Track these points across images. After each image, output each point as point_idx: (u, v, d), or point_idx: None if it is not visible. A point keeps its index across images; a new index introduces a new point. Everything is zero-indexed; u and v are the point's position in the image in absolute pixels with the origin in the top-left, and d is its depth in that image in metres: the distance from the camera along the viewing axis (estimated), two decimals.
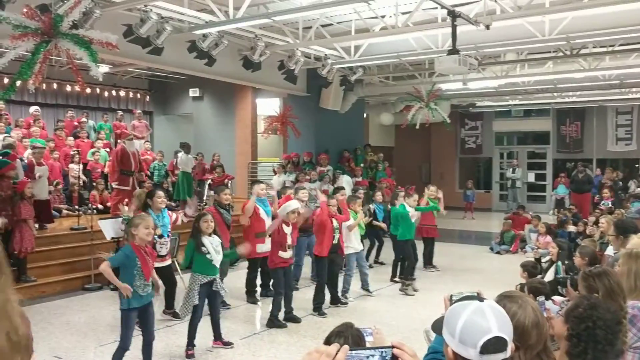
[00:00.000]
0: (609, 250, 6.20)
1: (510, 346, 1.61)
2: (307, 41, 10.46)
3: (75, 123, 14.34)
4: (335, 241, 7.66)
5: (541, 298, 3.94)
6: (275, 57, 11.21)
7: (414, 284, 8.86)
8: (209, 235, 5.91)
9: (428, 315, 6.02)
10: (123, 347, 4.99)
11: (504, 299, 2.07)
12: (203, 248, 5.82)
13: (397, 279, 9.31)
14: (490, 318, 1.60)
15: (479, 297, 1.70)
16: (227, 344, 6.14)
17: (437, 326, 1.80)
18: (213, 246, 5.87)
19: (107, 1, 8.08)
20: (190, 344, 5.87)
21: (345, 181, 13.50)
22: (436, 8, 8.68)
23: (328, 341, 2.49)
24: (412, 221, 8.95)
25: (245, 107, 16.94)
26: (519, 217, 13.52)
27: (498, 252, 12.43)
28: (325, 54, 11.83)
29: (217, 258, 5.89)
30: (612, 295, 3.14)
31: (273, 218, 7.84)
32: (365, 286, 8.52)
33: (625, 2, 8.04)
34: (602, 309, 2.45)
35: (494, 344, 1.57)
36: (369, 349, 1.52)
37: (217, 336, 6.15)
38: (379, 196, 10.97)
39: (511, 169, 19.56)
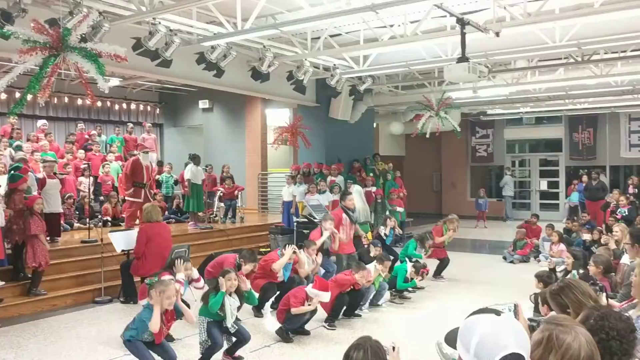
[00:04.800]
0: (625, 259, 6.09)
1: None
2: (316, 51, 10.45)
3: (86, 136, 14.43)
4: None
5: None
6: (284, 68, 11.23)
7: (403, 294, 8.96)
8: (230, 294, 5.78)
9: (441, 327, 5.91)
10: None
11: (555, 328, 1.87)
12: (222, 307, 5.69)
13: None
14: (507, 334, 1.53)
15: (497, 311, 1.64)
16: (238, 358, 6.06)
17: (450, 338, 1.73)
18: (231, 308, 5.74)
19: (115, 14, 8.14)
20: None
21: (356, 191, 13.41)
22: (445, 16, 8.64)
23: (347, 355, 2.44)
24: None
25: (254, 118, 16.98)
26: (532, 226, 13.36)
27: (511, 262, 12.27)
28: (334, 64, 11.83)
29: (230, 321, 5.76)
30: (583, 307, 2.96)
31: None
32: (373, 301, 8.44)
33: (637, 7, 7.93)
34: (614, 319, 2.36)
35: None
36: None
37: (229, 350, 6.06)
38: (390, 222, 10.76)
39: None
